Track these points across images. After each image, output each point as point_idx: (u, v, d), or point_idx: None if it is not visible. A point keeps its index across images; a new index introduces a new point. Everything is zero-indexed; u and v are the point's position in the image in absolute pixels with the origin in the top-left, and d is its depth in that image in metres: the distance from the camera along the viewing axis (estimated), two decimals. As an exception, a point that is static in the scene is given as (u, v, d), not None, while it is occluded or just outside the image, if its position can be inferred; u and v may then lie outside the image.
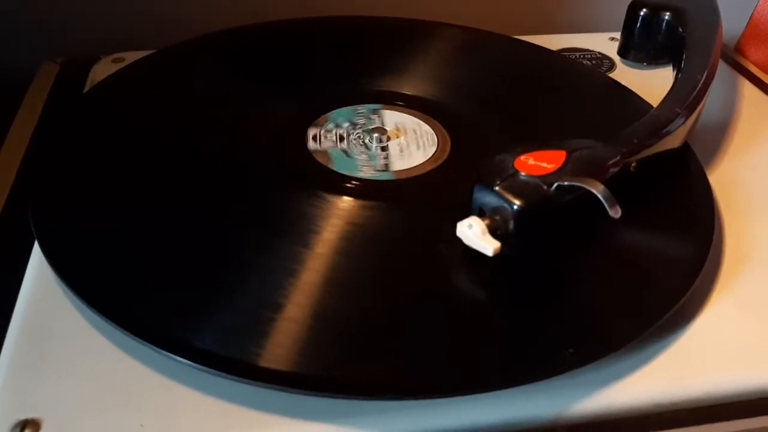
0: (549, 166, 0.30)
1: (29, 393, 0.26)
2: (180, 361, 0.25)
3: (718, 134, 0.43)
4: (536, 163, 0.30)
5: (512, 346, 0.27)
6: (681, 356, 0.29)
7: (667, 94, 0.37)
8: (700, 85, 0.37)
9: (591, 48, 0.51)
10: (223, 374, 0.25)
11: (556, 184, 0.29)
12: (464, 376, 0.26)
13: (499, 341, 0.28)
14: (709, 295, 0.32)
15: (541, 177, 0.29)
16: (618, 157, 0.32)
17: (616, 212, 0.27)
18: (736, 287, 0.33)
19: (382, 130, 0.38)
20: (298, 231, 0.31)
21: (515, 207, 0.28)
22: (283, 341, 0.26)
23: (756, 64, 0.52)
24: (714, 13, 0.44)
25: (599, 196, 0.27)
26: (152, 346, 0.26)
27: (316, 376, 0.25)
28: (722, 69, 0.50)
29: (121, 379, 0.26)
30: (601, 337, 0.28)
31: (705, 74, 0.38)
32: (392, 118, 0.40)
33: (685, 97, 0.36)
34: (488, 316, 0.29)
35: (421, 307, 0.29)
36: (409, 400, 0.26)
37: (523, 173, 0.29)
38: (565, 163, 0.30)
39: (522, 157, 0.30)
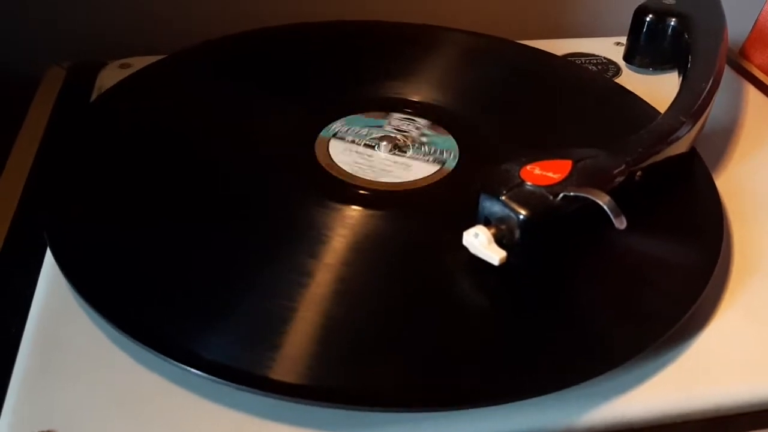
0: (555, 176, 0.30)
1: (44, 404, 0.26)
2: (191, 372, 0.26)
3: (724, 139, 0.43)
4: (542, 173, 0.30)
5: (521, 358, 0.28)
6: (690, 367, 0.29)
7: (673, 102, 0.37)
8: (705, 92, 0.37)
9: (597, 53, 0.51)
10: (234, 385, 0.25)
11: (561, 195, 0.29)
12: (473, 389, 0.26)
13: (508, 353, 0.28)
14: (718, 305, 0.32)
15: (546, 187, 0.29)
16: (623, 167, 0.32)
17: (621, 223, 0.27)
18: (745, 296, 0.33)
19: (390, 138, 0.38)
20: (308, 241, 0.32)
21: (521, 217, 0.29)
22: (291, 352, 0.27)
23: (760, 68, 0.52)
24: (720, 19, 0.44)
25: (604, 207, 0.27)
26: (164, 357, 0.26)
27: (325, 388, 0.25)
28: (727, 73, 0.50)
29: (134, 390, 0.27)
30: (609, 349, 0.28)
31: (710, 81, 0.38)
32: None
33: (690, 105, 0.36)
34: (497, 327, 0.29)
35: (429, 318, 0.29)
36: (418, 412, 0.26)
37: (528, 183, 0.30)
38: (570, 173, 0.30)
39: (528, 167, 0.30)
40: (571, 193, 0.29)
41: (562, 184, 0.29)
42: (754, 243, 0.36)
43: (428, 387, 0.26)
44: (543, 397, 0.26)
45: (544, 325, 0.29)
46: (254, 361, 0.26)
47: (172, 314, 0.28)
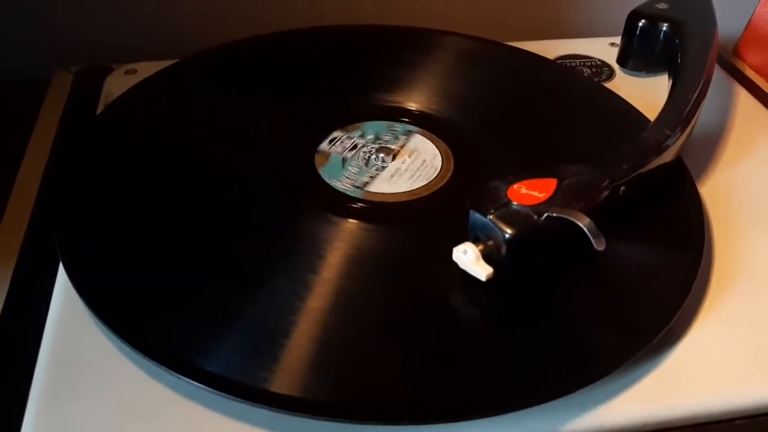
0: (540, 195, 0.31)
1: (61, 419, 0.28)
2: (196, 386, 0.27)
3: (711, 144, 0.44)
4: (528, 192, 0.31)
5: (509, 372, 0.29)
6: (668, 377, 0.31)
7: (659, 114, 0.38)
8: (691, 104, 0.38)
9: (591, 54, 0.52)
10: (235, 398, 0.27)
11: (545, 215, 0.30)
12: (463, 402, 0.28)
13: (496, 367, 0.29)
14: (697, 314, 0.33)
15: (532, 207, 0.31)
16: (607, 182, 0.33)
17: (600, 244, 0.29)
18: (723, 305, 0.34)
19: (387, 150, 0.39)
20: (307, 255, 0.33)
21: (507, 236, 0.30)
22: (291, 366, 0.28)
23: (753, 68, 0.53)
24: (711, 24, 0.45)
25: (584, 229, 0.29)
26: (171, 371, 0.28)
27: (324, 402, 0.27)
28: (718, 75, 0.51)
29: (144, 402, 0.28)
30: (590, 362, 0.29)
31: (697, 92, 0.39)
32: (412, 141, 0.41)
33: (676, 118, 0.37)
34: (485, 341, 0.31)
35: (424, 332, 0.31)
36: (407, 426, 0.28)
37: (515, 203, 0.31)
38: (555, 192, 0.31)
39: (515, 186, 0.32)
40: (554, 215, 0.30)
41: (547, 203, 0.31)
42: (736, 251, 0.37)
43: (417, 403, 0.28)
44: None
45: (529, 339, 0.31)
46: (255, 375, 0.28)
47: (179, 329, 0.30)
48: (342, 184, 0.37)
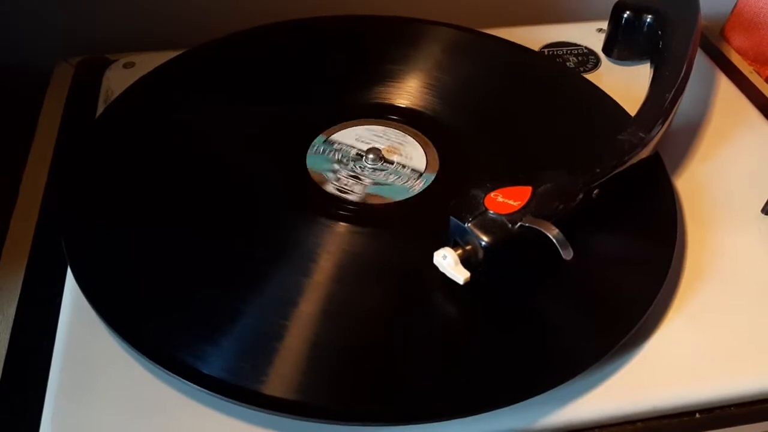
0: (515, 204, 0.33)
1: (77, 419, 0.30)
2: (192, 387, 0.30)
3: (690, 135, 0.46)
4: (504, 201, 0.33)
5: (487, 372, 0.31)
6: (636, 372, 0.33)
7: (636, 115, 0.39)
8: (667, 103, 0.39)
9: (578, 42, 0.53)
10: (226, 399, 0.30)
11: (519, 224, 0.32)
12: (442, 404, 0.30)
13: (475, 367, 0.32)
14: (667, 310, 0.35)
15: (507, 215, 0.33)
16: (580, 186, 0.35)
17: (568, 254, 0.31)
18: (693, 302, 0.36)
19: (376, 150, 0.41)
20: (299, 259, 0.35)
21: (483, 243, 0.32)
22: (284, 370, 0.31)
23: (738, 51, 0.54)
24: (694, 17, 0.46)
25: (553, 240, 0.31)
26: (173, 374, 0.30)
27: (316, 405, 0.30)
28: (701, 62, 0.51)
29: (155, 405, 0.31)
30: (565, 362, 0.32)
31: (673, 91, 0.40)
32: (363, 133, 0.42)
33: (652, 119, 0.39)
34: (463, 344, 0.33)
35: (409, 335, 0.33)
36: (387, 426, 0.30)
37: (491, 211, 0.33)
38: (529, 200, 0.33)
39: (492, 194, 0.34)
40: (527, 224, 0.32)
41: (521, 212, 0.33)
42: (708, 245, 0.38)
43: (395, 403, 0.30)
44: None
45: (505, 340, 0.33)
46: (250, 378, 0.30)
47: (179, 332, 0.32)
48: (417, 187, 0.39)
